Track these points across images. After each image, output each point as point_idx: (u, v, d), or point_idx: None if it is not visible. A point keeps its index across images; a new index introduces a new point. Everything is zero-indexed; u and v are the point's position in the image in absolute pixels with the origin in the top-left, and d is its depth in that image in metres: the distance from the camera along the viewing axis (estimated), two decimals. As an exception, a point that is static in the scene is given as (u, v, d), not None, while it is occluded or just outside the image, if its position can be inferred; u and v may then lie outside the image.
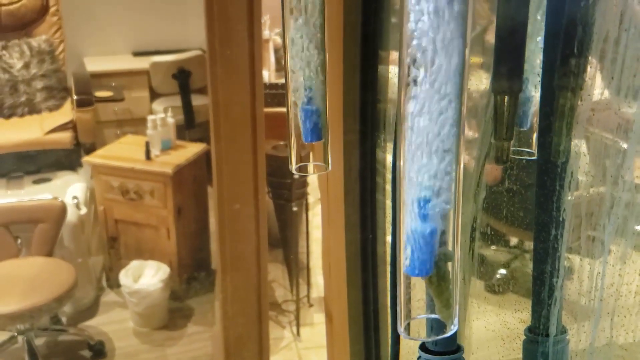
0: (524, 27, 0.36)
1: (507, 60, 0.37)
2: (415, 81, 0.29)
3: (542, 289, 0.38)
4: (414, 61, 0.29)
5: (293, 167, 0.49)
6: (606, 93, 0.49)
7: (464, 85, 0.29)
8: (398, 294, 0.33)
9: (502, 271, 0.92)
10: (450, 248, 0.33)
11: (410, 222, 0.32)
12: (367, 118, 1.11)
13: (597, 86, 0.49)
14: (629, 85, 0.44)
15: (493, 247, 0.90)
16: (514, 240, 0.96)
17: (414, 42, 0.30)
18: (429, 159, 0.31)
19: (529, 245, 0.96)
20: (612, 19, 0.35)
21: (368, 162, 1.13)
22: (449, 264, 0.33)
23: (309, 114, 0.48)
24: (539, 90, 0.50)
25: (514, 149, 0.53)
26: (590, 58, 0.38)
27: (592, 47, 0.36)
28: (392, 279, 0.57)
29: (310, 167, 0.50)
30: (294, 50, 0.46)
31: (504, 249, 0.94)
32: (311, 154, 0.48)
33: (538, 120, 0.41)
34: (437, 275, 0.33)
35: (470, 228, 0.61)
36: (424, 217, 0.32)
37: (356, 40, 1.08)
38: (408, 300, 0.34)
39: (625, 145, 0.49)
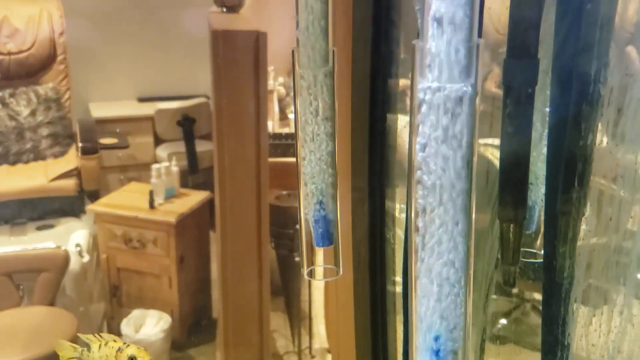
0: (526, 161, 0.38)
1: (511, 191, 0.39)
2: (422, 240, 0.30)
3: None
4: (419, 216, 0.31)
5: (305, 271, 0.50)
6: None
7: (470, 235, 0.31)
8: None
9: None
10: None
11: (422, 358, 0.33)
12: (375, 172, 1.11)
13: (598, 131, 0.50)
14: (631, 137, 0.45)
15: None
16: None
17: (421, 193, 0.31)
18: (438, 302, 0.32)
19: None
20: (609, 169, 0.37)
21: (377, 218, 1.14)
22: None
23: (320, 220, 0.50)
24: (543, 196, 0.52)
25: (523, 250, 0.55)
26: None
27: (590, 181, 0.38)
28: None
29: (320, 271, 0.51)
30: (307, 164, 0.47)
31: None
32: (322, 258, 0.50)
33: (543, 245, 0.42)
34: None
35: (480, 339, 0.62)
36: (436, 353, 0.33)
37: (365, 101, 1.10)
38: None
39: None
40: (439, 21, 0.30)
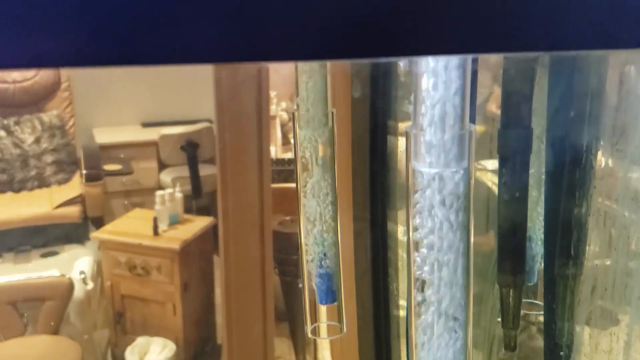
0: (524, 228, 0.39)
1: (509, 257, 0.40)
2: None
3: None
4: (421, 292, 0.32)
5: (308, 329, 0.51)
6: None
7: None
8: None
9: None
10: None
11: None
12: (377, 196, 1.12)
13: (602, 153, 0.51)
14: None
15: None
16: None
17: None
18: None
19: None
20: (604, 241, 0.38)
21: (379, 245, 1.14)
22: None
23: (323, 278, 0.50)
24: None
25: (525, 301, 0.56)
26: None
27: (586, 251, 0.39)
28: None
29: (324, 329, 0.52)
30: (309, 225, 0.48)
31: None
32: (325, 317, 0.50)
33: (543, 308, 0.43)
34: None
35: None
36: None
37: (365, 121, 1.12)
38: None
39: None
40: (431, 109, 0.32)
